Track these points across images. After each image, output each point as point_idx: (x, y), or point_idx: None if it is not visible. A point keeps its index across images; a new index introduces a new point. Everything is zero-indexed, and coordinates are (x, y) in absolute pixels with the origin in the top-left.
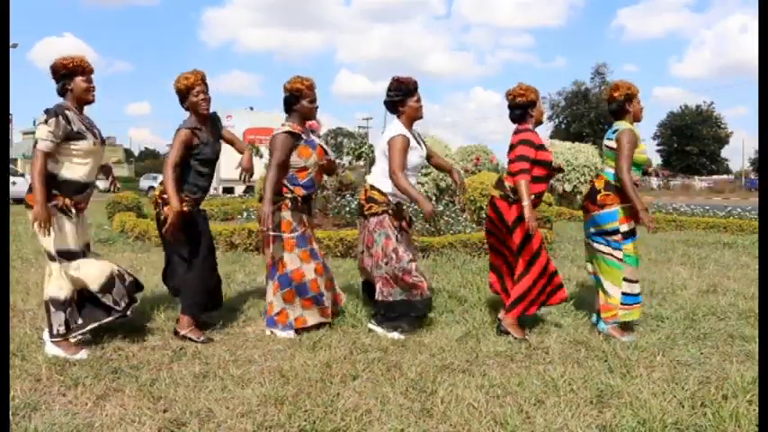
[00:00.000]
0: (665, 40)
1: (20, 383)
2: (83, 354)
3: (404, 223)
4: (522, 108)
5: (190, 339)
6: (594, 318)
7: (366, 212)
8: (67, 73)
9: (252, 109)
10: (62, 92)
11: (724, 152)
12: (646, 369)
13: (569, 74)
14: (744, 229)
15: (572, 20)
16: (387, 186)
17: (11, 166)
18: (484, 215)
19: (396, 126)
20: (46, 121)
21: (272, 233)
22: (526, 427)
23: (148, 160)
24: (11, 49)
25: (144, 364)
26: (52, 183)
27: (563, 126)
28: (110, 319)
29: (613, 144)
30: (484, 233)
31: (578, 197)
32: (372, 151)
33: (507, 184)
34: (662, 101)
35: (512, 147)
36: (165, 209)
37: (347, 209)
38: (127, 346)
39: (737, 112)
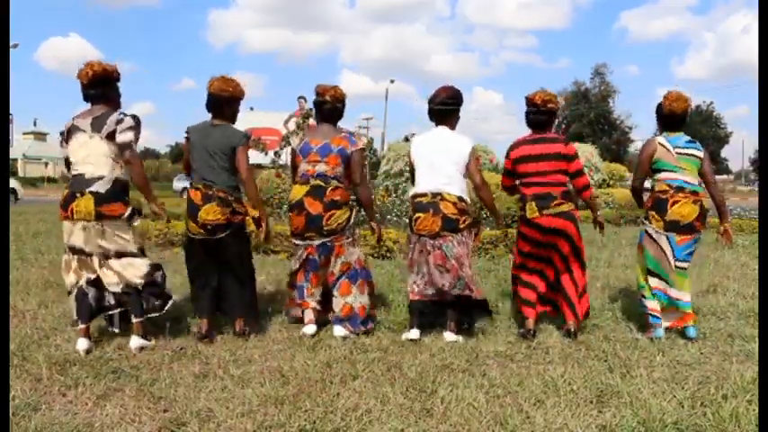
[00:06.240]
0: (667, 42)
1: (20, 383)
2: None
3: None
4: (550, 114)
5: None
6: (691, 330)
7: (462, 226)
8: (114, 80)
9: (252, 109)
10: (100, 97)
11: (724, 152)
12: (646, 369)
13: (572, 75)
14: (744, 229)
15: (576, 21)
16: (467, 197)
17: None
18: (484, 215)
19: (462, 136)
20: (137, 126)
21: (351, 237)
22: (526, 427)
23: (149, 161)
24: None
25: (144, 364)
26: (126, 188)
27: (563, 126)
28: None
29: (702, 155)
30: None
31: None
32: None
33: (574, 190)
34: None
35: (568, 157)
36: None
37: None
38: (127, 345)
39: (737, 112)
